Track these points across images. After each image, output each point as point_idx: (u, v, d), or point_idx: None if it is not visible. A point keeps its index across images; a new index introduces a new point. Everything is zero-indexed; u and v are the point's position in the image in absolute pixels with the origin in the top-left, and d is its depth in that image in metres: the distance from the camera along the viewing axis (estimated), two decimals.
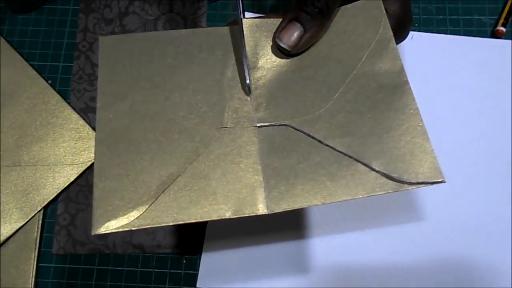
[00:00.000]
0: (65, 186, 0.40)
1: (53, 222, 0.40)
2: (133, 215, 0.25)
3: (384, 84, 0.28)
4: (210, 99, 0.28)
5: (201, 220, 0.25)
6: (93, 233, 0.24)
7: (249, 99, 0.28)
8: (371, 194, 0.25)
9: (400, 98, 0.27)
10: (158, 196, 0.25)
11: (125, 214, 0.25)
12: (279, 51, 0.29)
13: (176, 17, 0.45)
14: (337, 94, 0.28)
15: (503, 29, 0.42)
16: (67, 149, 0.41)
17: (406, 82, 0.27)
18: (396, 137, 0.26)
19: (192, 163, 0.26)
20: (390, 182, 0.25)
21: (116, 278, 0.39)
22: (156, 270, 0.39)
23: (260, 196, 0.25)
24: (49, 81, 0.44)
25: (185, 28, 0.45)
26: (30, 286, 0.38)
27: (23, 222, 0.40)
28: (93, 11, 0.46)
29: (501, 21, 0.42)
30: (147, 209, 0.25)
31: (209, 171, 0.26)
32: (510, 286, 0.37)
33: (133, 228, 0.24)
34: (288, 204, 0.25)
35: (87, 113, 0.43)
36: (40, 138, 0.42)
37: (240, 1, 0.29)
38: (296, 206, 0.25)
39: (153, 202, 0.25)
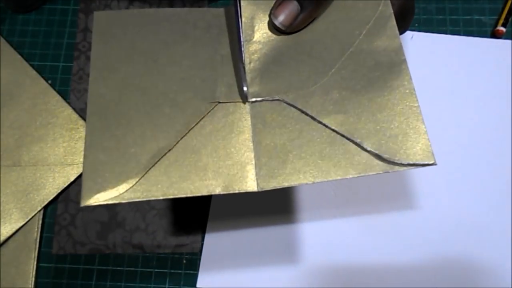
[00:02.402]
0: (65, 186, 0.40)
1: (53, 222, 0.40)
2: (123, 188, 0.24)
3: (381, 62, 0.27)
4: (203, 75, 0.28)
5: (190, 195, 0.24)
6: (82, 205, 0.24)
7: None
8: (361, 175, 0.24)
9: (397, 78, 0.26)
10: (149, 170, 0.25)
11: (114, 187, 0.24)
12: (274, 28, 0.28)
13: None
14: (333, 70, 0.27)
15: (503, 29, 0.42)
16: (67, 149, 0.41)
17: (404, 61, 0.27)
18: (390, 116, 0.26)
19: (184, 138, 0.26)
20: (381, 163, 0.25)
21: (116, 278, 0.39)
22: (156, 270, 0.39)
23: (251, 173, 0.25)
24: (49, 81, 0.44)
25: None
26: (30, 286, 0.38)
27: (23, 222, 0.39)
28: (93, 11, 0.46)
29: (501, 21, 0.42)
30: (137, 182, 0.25)
31: (200, 146, 0.26)
32: (510, 286, 0.37)
33: (123, 201, 0.24)
34: (278, 182, 0.25)
35: None
36: (40, 138, 0.42)
37: None
38: (286, 184, 0.25)
39: (143, 176, 0.25)
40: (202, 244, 0.39)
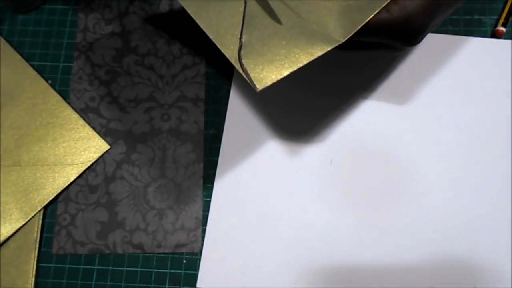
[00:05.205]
0: (65, 186, 0.40)
1: (53, 222, 0.40)
2: None
3: (324, 25, 0.29)
4: None
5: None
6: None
7: None
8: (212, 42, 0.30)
9: (316, 48, 0.29)
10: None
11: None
12: None
13: None
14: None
15: (503, 29, 0.42)
16: (67, 149, 0.41)
17: (336, 41, 0.29)
18: (283, 56, 0.29)
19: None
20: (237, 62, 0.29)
21: (116, 278, 0.39)
22: (156, 270, 0.39)
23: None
24: (49, 81, 0.44)
25: (185, 26, 0.45)
26: (30, 286, 0.38)
27: (23, 222, 0.40)
28: (93, 11, 0.46)
29: (501, 21, 0.42)
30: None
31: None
32: (510, 286, 0.37)
33: None
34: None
35: (87, 113, 0.43)
36: (40, 138, 0.42)
37: None
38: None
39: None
40: (202, 244, 0.39)
